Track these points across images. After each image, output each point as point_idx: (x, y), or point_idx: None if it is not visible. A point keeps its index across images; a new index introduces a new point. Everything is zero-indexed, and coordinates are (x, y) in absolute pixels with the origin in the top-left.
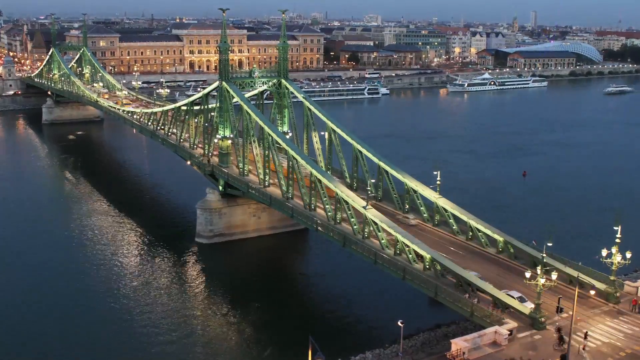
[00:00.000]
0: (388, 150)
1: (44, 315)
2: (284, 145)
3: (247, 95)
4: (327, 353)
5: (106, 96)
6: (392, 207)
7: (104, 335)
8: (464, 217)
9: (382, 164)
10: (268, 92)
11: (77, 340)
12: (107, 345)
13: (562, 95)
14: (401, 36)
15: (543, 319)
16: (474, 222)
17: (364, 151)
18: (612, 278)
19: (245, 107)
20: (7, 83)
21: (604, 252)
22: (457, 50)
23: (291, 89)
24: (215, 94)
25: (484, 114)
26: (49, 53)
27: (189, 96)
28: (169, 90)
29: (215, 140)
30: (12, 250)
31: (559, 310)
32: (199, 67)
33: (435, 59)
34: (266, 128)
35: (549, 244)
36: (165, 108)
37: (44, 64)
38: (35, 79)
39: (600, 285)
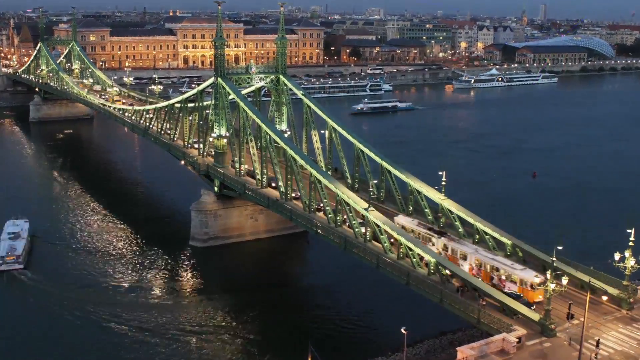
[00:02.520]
0: (390, 149)
1: (33, 321)
2: (282, 144)
3: (244, 92)
4: None
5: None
6: (395, 208)
7: (94, 343)
8: (470, 220)
9: (384, 164)
10: (266, 88)
11: (66, 348)
12: (97, 354)
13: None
14: (405, 30)
15: (553, 326)
16: (481, 225)
17: (366, 150)
18: (625, 283)
19: (241, 104)
20: None
21: (617, 256)
22: (463, 45)
23: (290, 85)
24: (211, 90)
25: (491, 111)
26: (37, 48)
27: (183, 93)
28: (162, 87)
29: (211, 139)
30: None
31: (570, 316)
32: (194, 62)
33: (441, 54)
34: (264, 126)
35: (559, 247)
36: (158, 105)
37: (31, 59)
38: (22, 75)
39: (613, 291)
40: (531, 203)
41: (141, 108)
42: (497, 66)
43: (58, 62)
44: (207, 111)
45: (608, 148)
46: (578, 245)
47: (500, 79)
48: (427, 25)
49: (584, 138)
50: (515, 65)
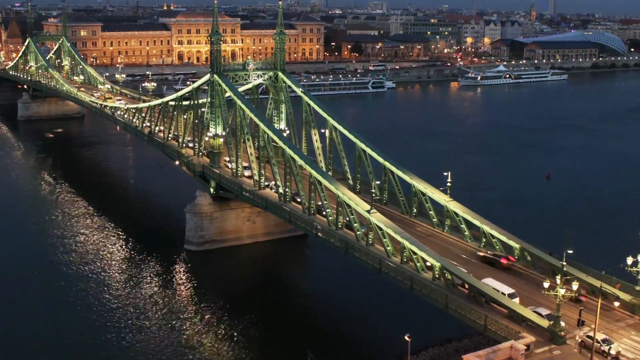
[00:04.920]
0: (394, 149)
1: (25, 328)
2: (281, 144)
3: (241, 89)
4: None
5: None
6: (398, 210)
7: (87, 350)
8: (477, 222)
9: (387, 164)
10: (264, 86)
11: (58, 351)
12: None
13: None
14: (408, 25)
15: (563, 333)
16: (487, 228)
17: (368, 150)
18: (637, 288)
19: (238, 102)
20: None
21: (630, 260)
22: (469, 40)
23: (289, 82)
24: (206, 88)
25: (498, 109)
26: (25, 43)
27: (178, 90)
28: (155, 84)
29: (206, 139)
30: None
31: (580, 323)
32: (189, 58)
33: (446, 50)
34: (262, 125)
35: (569, 251)
36: (151, 103)
37: (19, 55)
38: (10, 72)
39: (625, 296)
40: (544, 206)
41: (134, 106)
42: (505, 62)
43: (47, 58)
44: (203, 109)
45: (623, 150)
46: (589, 249)
47: (507, 76)
48: (432, 20)
49: (597, 139)
50: (524, 61)
